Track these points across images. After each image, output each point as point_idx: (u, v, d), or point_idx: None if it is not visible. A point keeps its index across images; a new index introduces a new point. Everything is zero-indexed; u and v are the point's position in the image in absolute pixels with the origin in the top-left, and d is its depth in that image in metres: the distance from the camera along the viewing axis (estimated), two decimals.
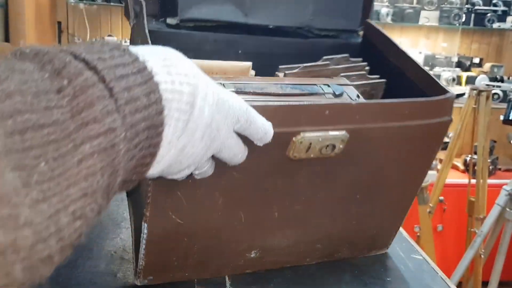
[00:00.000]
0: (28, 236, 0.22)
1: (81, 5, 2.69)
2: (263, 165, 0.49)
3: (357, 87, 0.63)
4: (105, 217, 0.69)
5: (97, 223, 0.30)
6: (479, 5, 2.91)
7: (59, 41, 2.61)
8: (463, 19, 2.90)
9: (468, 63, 3.00)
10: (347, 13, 0.74)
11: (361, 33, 0.75)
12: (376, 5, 2.81)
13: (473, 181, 2.02)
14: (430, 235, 2.02)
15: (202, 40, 0.69)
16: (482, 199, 1.99)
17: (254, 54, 0.70)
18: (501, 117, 1.95)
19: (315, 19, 0.73)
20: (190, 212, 0.50)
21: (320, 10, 0.73)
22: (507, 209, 1.85)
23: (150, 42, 0.51)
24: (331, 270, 0.62)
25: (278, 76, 0.64)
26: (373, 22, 0.74)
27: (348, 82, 0.63)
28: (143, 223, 0.49)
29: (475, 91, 1.96)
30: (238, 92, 0.53)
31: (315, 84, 0.59)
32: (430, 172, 1.98)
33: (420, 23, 2.89)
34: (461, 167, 2.61)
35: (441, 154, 2.17)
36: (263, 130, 0.42)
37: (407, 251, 0.68)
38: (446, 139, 2.10)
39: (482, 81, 2.78)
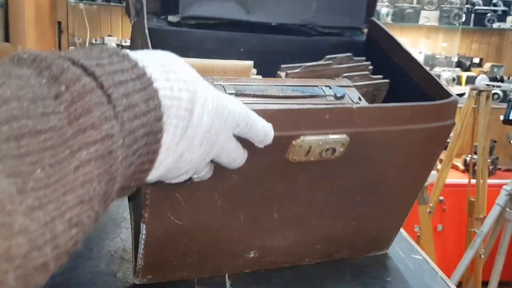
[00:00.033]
0: (23, 244, 0.22)
1: (81, 5, 2.69)
2: (263, 168, 0.49)
3: (359, 87, 0.62)
4: (105, 217, 0.69)
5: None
6: (479, 5, 2.91)
7: (59, 41, 2.61)
8: (463, 19, 2.90)
9: (468, 63, 3.00)
10: (351, 10, 0.73)
11: (365, 30, 0.74)
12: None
13: (473, 181, 2.02)
14: (430, 235, 2.02)
15: (203, 38, 0.68)
16: (482, 199, 1.99)
17: (256, 52, 0.70)
18: (501, 117, 1.95)
19: (318, 16, 0.72)
20: (188, 213, 0.50)
21: (324, 7, 0.72)
22: (507, 209, 1.85)
23: (149, 41, 0.51)
24: (331, 270, 0.62)
25: (280, 75, 0.64)
26: (377, 20, 0.73)
27: (350, 83, 0.62)
28: (141, 224, 0.49)
29: (475, 91, 1.96)
30: (238, 94, 0.53)
31: (316, 86, 0.58)
32: None
33: (420, 23, 2.89)
34: (461, 167, 2.61)
35: (441, 154, 2.17)
36: (264, 132, 0.41)
37: (407, 251, 0.68)
38: None
39: (482, 81, 2.78)
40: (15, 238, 0.22)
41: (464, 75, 2.88)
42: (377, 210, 0.61)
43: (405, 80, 0.64)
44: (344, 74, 0.65)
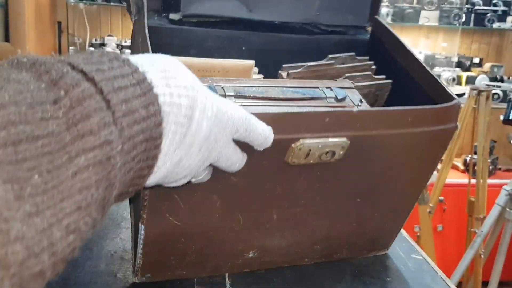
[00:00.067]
0: (19, 251, 0.22)
1: (81, 5, 2.69)
2: (262, 170, 0.49)
3: (361, 88, 0.61)
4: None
5: None
6: (479, 5, 2.91)
7: (59, 41, 2.61)
8: (463, 19, 2.90)
9: (468, 63, 3.00)
10: (355, 8, 0.72)
11: (369, 29, 0.73)
12: None
13: (473, 181, 2.02)
14: (430, 235, 2.02)
15: (204, 36, 0.68)
16: (482, 199, 1.99)
17: (258, 51, 0.69)
18: (501, 117, 1.95)
19: (322, 15, 0.71)
20: (187, 214, 0.50)
21: (327, 5, 0.71)
22: (507, 209, 1.85)
23: (149, 40, 0.51)
24: (331, 270, 0.62)
25: (281, 75, 0.64)
26: (381, 19, 0.72)
27: (351, 84, 0.61)
28: (140, 224, 0.49)
29: (475, 91, 1.96)
30: (238, 96, 0.53)
31: (317, 87, 0.58)
32: None
33: (420, 23, 2.89)
34: (461, 167, 2.61)
35: None
36: (263, 136, 0.41)
37: (407, 251, 0.68)
38: None
39: (482, 81, 2.78)
40: (11, 245, 0.21)
41: (464, 75, 2.87)
42: (377, 212, 0.60)
43: (407, 80, 0.63)
44: (346, 74, 0.64)
